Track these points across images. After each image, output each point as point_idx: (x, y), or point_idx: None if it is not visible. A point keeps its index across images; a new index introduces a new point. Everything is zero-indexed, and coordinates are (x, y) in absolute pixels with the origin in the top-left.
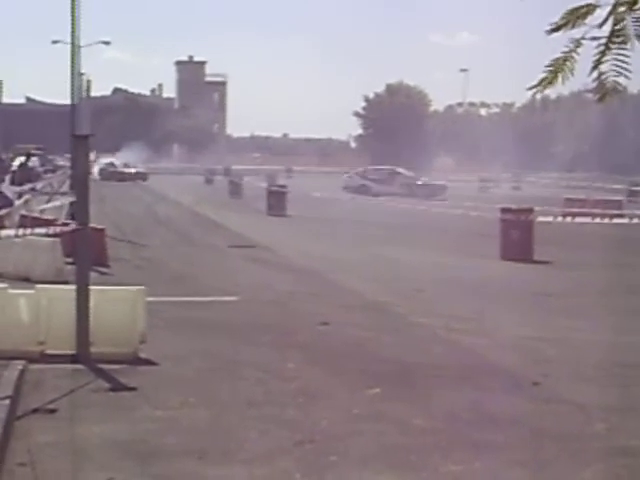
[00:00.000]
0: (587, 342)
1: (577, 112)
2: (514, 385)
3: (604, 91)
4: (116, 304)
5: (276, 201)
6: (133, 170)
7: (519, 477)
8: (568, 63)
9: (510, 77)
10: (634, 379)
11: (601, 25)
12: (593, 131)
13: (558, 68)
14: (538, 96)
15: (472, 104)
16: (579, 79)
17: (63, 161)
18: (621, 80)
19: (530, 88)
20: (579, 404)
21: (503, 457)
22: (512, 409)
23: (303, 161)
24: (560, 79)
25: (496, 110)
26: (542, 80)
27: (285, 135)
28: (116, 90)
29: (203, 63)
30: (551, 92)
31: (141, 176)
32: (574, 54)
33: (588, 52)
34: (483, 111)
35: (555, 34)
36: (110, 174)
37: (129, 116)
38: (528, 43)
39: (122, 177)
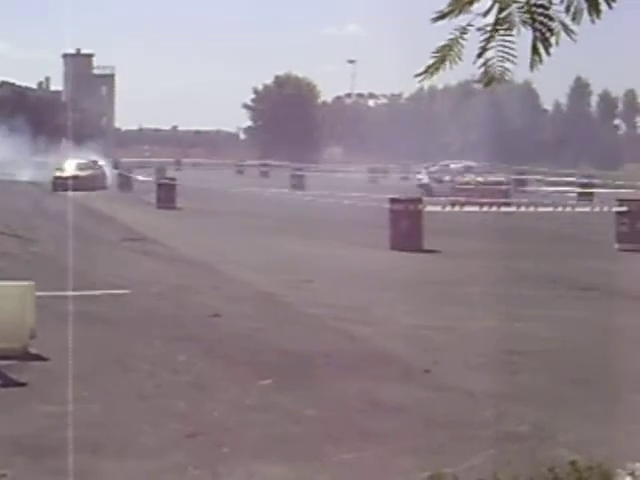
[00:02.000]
0: (476, 330)
1: (465, 102)
2: (405, 373)
3: (490, 77)
4: (4, 299)
5: (166, 194)
6: None
7: (410, 464)
8: (454, 50)
9: (398, 68)
10: (521, 366)
11: (487, 12)
12: (481, 121)
13: (444, 55)
14: (426, 86)
15: (360, 95)
16: (466, 69)
17: None
18: (507, 66)
19: (417, 75)
20: (469, 391)
21: (394, 445)
22: (403, 397)
23: (192, 154)
24: (447, 66)
25: (384, 101)
26: (429, 67)
27: (174, 127)
28: (3, 84)
29: (90, 56)
30: (439, 82)
31: None
32: (460, 40)
33: (476, 40)
34: (371, 102)
35: (441, 22)
36: None
37: (16, 110)
38: (415, 33)
39: None
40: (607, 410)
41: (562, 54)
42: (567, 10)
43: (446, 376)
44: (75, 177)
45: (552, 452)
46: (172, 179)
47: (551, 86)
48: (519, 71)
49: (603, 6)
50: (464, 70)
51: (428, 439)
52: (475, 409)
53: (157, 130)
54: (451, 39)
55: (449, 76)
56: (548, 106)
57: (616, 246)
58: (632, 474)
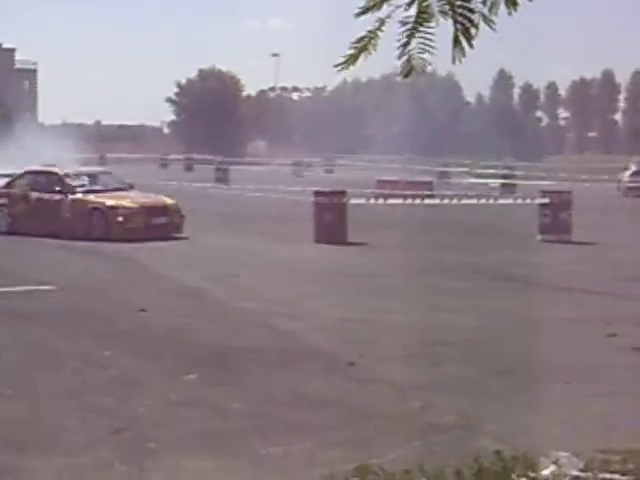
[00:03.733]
0: (401, 322)
1: (388, 95)
2: (330, 366)
3: (410, 68)
4: None
5: None
6: None
7: (337, 457)
8: (373, 41)
9: (321, 61)
10: (446, 357)
11: (408, 5)
12: (404, 113)
13: (363, 46)
14: (349, 79)
15: (284, 89)
16: (390, 61)
17: None
18: (426, 57)
19: (337, 65)
20: (394, 383)
21: (321, 438)
22: (329, 390)
23: (116, 148)
24: (365, 56)
25: (308, 94)
26: (348, 58)
27: (98, 122)
28: None
29: (12, 50)
30: (362, 75)
31: None
32: (378, 32)
33: (397, 34)
34: (295, 95)
35: (364, 16)
36: None
37: None
38: (338, 27)
39: None
40: (531, 400)
41: (484, 47)
42: (484, 3)
43: (371, 368)
44: None
45: (477, 442)
46: None
47: (474, 78)
48: (442, 64)
49: None
50: (388, 63)
51: (354, 431)
52: (400, 401)
53: (80, 124)
54: (370, 31)
55: (373, 69)
56: (471, 98)
57: (539, 237)
58: (556, 462)
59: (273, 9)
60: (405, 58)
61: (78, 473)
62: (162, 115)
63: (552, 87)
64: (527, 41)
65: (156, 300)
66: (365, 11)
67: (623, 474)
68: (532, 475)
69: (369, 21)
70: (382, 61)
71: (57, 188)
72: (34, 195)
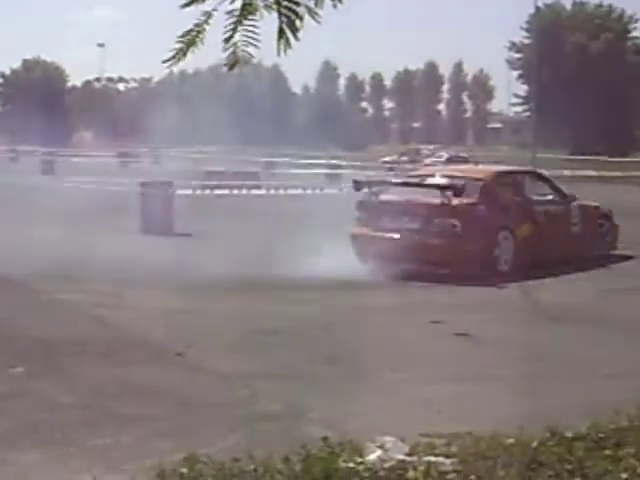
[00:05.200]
0: (229, 311)
1: (215, 86)
2: (159, 357)
3: (234, 60)
4: None
5: None
6: None
7: (165, 447)
8: (200, 34)
9: (148, 52)
10: (274, 345)
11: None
12: (231, 104)
13: (191, 40)
14: (176, 70)
15: (110, 79)
16: (216, 53)
17: None
18: (251, 50)
19: (166, 61)
20: (222, 372)
21: (149, 428)
22: (157, 381)
23: None
24: (193, 50)
25: (134, 85)
26: (177, 52)
27: None
28: None
29: None
30: (189, 66)
31: None
32: (205, 25)
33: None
34: (121, 86)
35: (189, 8)
36: None
37: None
38: (166, 18)
39: None
40: (357, 387)
41: (310, 38)
42: None
43: (200, 358)
44: None
45: (305, 429)
46: None
47: (300, 70)
48: (269, 55)
49: None
50: (215, 54)
51: (183, 421)
52: (229, 390)
53: None
54: (196, 24)
55: (200, 60)
56: (297, 89)
57: None
58: (381, 447)
59: None
60: (230, 50)
61: None
62: None
63: (377, 78)
64: (352, 33)
65: None
66: (190, 3)
67: (447, 457)
68: (359, 460)
69: (196, 12)
70: (209, 52)
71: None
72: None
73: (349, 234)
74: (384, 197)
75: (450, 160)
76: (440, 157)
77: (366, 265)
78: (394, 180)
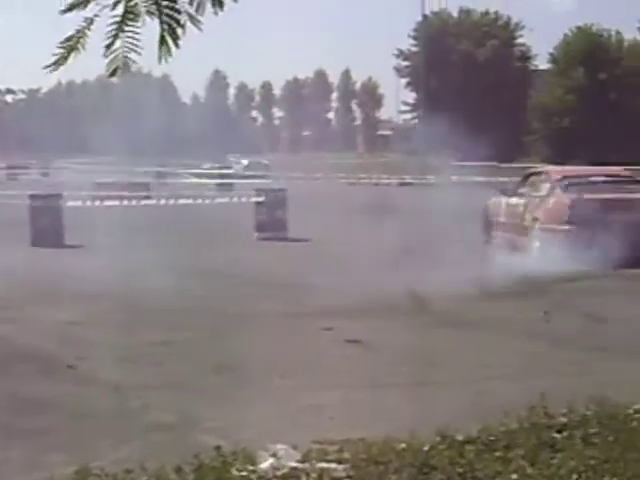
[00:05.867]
0: (121, 323)
1: (104, 96)
2: (49, 370)
3: (115, 66)
4: None
5: None
6: None
7: (57, 460)
8: (82, 40)
9: (35, 62)
10: (166, 356)
11: (115, 5)
12: (120, 115)
13: (72, 46)
14: (64, 81)
15: None
16: (104, 63)
17: None
18: (132, 56)
19: (47, 67)
20: (115, 384)
21: (40, 442)
22: (48, 393)
23: None
24: (75, 55)
25: (22, 96)
26: (59, 58)
27: None
28: None
29: None
30: (77, 77)
31: None
32: (87, 31)
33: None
34: (9, 98)
35: (69, 14)
36: None
37: None
38: (49, 26)
39: None
40: (249, 395)
41: (199, 47)
42: (191, 3)
43: (91, 370)
44: None
45: (198, 439)
46: None
47: (189, 79)
48: (158, 65)
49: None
50: (102, 64)
51: (75, 434)
52: (121, 401)
53: None
54: (78, 30)
55: (88, 71)
56: (187, 99)
57: (255, 235)
58: (274, 455)
59: None
60: (111, 57)
61: None
62: None
63: (267, 87)
64: (242, 42)
65: None
66: (71, 8)
67: (340, 463)
68: (251, 468)
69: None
70: (96, 62)
71: None
72: None
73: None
74: (590, 196)
75: (249, 166)
76: (240, 163)
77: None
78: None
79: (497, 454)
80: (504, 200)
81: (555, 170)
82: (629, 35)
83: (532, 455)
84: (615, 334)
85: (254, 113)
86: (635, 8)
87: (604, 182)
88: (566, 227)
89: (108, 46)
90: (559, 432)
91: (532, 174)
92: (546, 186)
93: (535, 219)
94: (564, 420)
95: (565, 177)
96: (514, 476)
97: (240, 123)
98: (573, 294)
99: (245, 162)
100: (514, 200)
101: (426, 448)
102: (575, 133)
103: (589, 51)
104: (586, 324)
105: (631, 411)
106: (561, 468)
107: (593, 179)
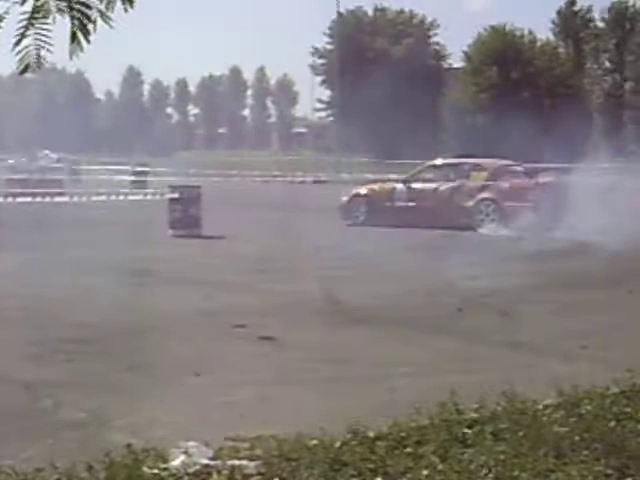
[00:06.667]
0: (30, 320)
1: (17, 93)
2: None
3: (26, 64)
4: None
5: None
6: None
7: None
8: None
9: None
10: (78, 354)
11: (23, 1)
12: (34, 111)
13: None
14: None
15: None
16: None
17: None
18: (44, 53)
19: None
20: (24, 381)
21: None
22: None
23: None
24: None
25: None
26: None
27: None
28: None
29: None
30: None
31: None
32: None
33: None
34: None
35: None
36: None
37: None
38: None
39: None
40: (161, 393)
41: (113, 44)
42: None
43: (1, 368)
44: None
45: (109, 437)
46: None
47: (104, 76)
48: (72, 61)
49: None
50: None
51: None
52: (31, 399)
53: None
54: None
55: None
56: (101, 95)
57: (170, 232)
58: (185, 452)
59: None
60: (22, 54)
61: None
62: None
63: (182, 84)
64: (157, 38)
65: None
66: None
67: (251, 460)
68: (163, 466)
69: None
70: (10, 58)
71: None
72: None
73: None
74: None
75: (60, 160)
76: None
77: None
78: None
79: (408, 450)
80: (403, 187)
81: (487, 162)
82: (541, 35)
83: (443, 451)
84: None
85: (169, 110)
86: (548, 8)
87: (524, 172)
88: (528, 204)
89: (16, 43)
90: (469, 427)
91: (433, 166)
92: (483, 174)
93: (485, 199)
94: (475, 416)
95: (500, 167)
96: (425, 472)
97: (155, 120)
98: None
99: (55, 156)
100: (422, 186)
101: (337, 444)
102: (488, 130)
103: (502, 50)
104: None
105: (540, 407)
106: (472, 463)
107: (513, 169)
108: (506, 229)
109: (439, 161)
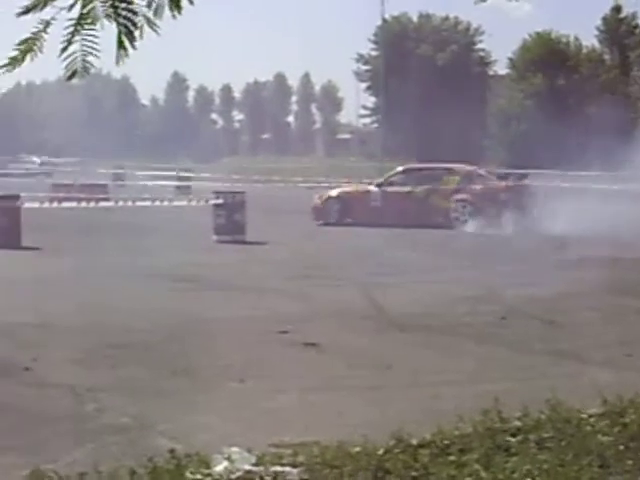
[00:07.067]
0: (77, 325)
1: (64, 98)
2: (4, 372)
3: (73, 70)
4: None
5: None
6: None
7: (10, 462)
8: (38, 42)
9: None
10: (121, 359)
11: (71, 7)
12: (80, 116)
13: (28, 48)
14: (23, 81)
15: None
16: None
17: None
18: (91, 59)
19: (1, 67)
20: (69, 386)
21: None
22: (3, 395)
23: None
24: (31, 58)
25: None
26: (12, 60)
27: None
28: None
29: None
30: (36, 78)
31: None
32: (43, 34)
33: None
34: None
35: (26, 16)
36: None
37: None
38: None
39: None
40: (205, 399)
41: (158, 50)
42: (149, 6)
43: (46, 372)
44: None
45: (152, 442)
46: None
47: (149, 81)
48: (117, 67)
49: (185, 3)
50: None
51: (29, 436)
52: (76, 404)
53: None
54: (34, 32)
55: (48, 71)
56: (146, 101)
57: (214, 238)
58: (228, 458)
59: None
60: (68, 60)
61: None
62: None
63: (226, 90)
64: (202, 44)
65: None
66: (27, 11)
67: (294, 466)
68: (206, 472)
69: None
70: (58, 63)
71: None
72: None
73: None
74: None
75: (43, 164)
76: (34, 162)
77: None
78: None
79: (451, 458)
80: (378, 191)
81: (459, 167)
82: (587, 42)
83: (486, 459)
84: None
85: (214, 116)
86: (593, 15)
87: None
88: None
89: (63, 49)
90: (513, 436)
91: (405, 171)
92: (455, 179)
93: (462, 200)
94: (518, 424)
95: (471, 172)
96: None
97: (199, 126)
98: None
99: (38, 160)
100: (399, 189)
101: (380, 452)
102: (533, 138)
103: (548, 57)
104: None
105: (585, 415)
106: (515, 472)
107: (482, 173)
108: (491, 227)
109: (411, 166)
